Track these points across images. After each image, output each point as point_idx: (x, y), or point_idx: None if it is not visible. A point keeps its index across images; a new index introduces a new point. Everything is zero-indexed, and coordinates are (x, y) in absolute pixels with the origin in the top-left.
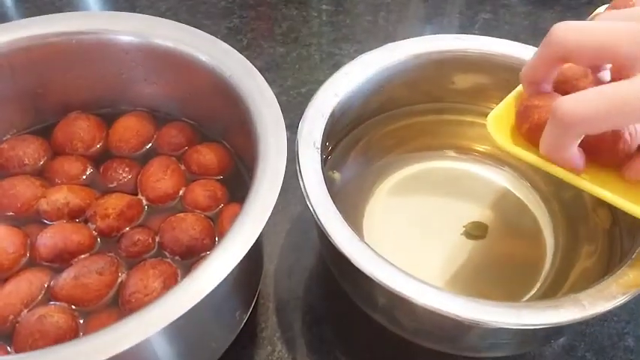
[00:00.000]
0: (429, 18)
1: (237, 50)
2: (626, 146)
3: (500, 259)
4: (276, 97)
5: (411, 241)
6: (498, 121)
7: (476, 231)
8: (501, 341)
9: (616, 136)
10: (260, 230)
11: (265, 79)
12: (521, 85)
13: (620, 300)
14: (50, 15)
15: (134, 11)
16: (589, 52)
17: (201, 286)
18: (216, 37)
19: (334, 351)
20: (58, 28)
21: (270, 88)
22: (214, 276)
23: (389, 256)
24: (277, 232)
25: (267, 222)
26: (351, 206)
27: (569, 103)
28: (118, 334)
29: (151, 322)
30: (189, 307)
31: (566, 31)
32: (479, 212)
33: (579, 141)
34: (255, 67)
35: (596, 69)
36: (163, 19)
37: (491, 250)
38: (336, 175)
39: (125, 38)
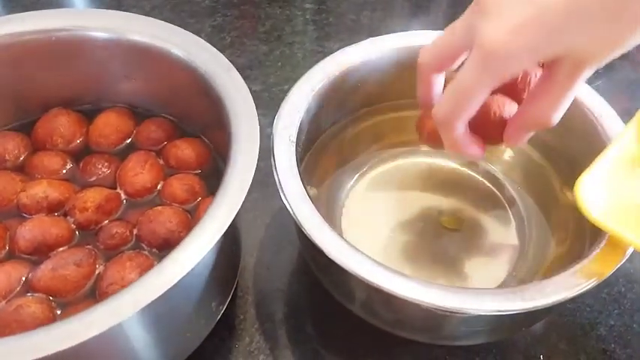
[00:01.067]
0: (413, 16)
1: (220, 48)
2: (497, 116)
3: (474, 249)
4: (259, 95)
5: (388, 236)
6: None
7: (452, 224)
8: (474, 329)
9: (485, 112)
10: (230, 220)
11: (248, 76)
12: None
13: (580, 289)
14: (29, 12)
15: (119, 10)
16: (443, 59)
17: (172, 274)
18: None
19: (313, 342)
20: (37, 25)
21: (245, 84)
22: (185, 264)
23: (366, 249)
24: (257, 225)
25: (247, 216)
26: (328, 202)
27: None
28: (89, 319)
29: (121, 309)
30: (158, 295)
31: (423, 52)
32: (454, 205)
33: (464, 126)
34: (238, 64)
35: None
36: (141, 16)
37: (466, 241)
38: (313, 191)
39: (103, 35)
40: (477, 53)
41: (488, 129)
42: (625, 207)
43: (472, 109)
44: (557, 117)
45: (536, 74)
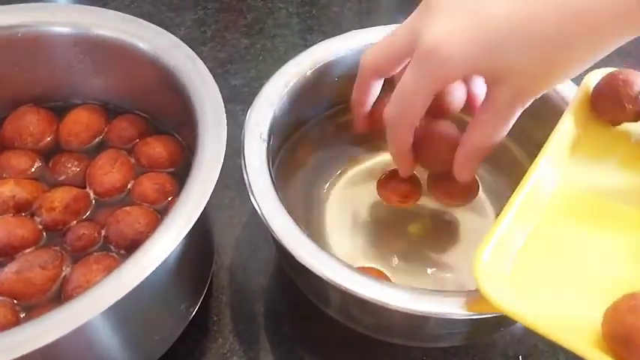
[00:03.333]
0: (399, 9)
1: (201, 42)
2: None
3: (457, 243)
4: (239, 90)
5: (369, 234)
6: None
7: (420, 232)
8: (451, 331)
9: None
10: (194, 219)
11: (228, 70)
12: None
13: None
14: None
15: (99, 5)
16: (385, 62)
17: (133, 277)
18: (180, 30)
19: (290, 344)
20: (2, 21)
21: (212, 78)
22: (147, 266)
23: (346, 250)
24: (233, 224)
25: (222, 215)
26: (305, 202)
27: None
28: (49, 323)
29: (81, 312)
30: (119, 298)
31: (366, 55)
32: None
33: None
34: (219, 59)
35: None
36: (108, 10)
37: (450, 236)
38: (288, 191)
39: (71, 30)
40: (418, 53)
41: (439, 158)
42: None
43: (416, 111)
44: (496, 142)
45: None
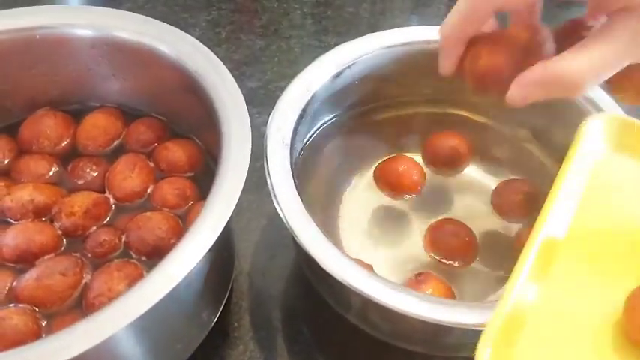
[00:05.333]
0: (414, 9)
1: (215, 44)
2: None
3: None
4: (255, 92)
5: (389, 239)
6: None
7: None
8: (473, 341)
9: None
10: (221, 228)
11: (244, 72)
12: None
13: None
14: (11, 10)
15: (113, 6)
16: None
17: (159, 287)
18: (195, 31)
19: (308, 350)
20: (20, 23)
21: (235, 82)
22: (173, 276)
23: (365, 254)
24: (252, 229)
25: (241, 219)
26: (325, 205)
27: None
28: (76, 334)
29: (108, 324)
30: (145, 309)
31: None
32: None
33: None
34: (234, 60)
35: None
36: (128, 13)
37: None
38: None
39: (89, 33)
40: None
41: (498, 67)
42: None
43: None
44: (588, 83)
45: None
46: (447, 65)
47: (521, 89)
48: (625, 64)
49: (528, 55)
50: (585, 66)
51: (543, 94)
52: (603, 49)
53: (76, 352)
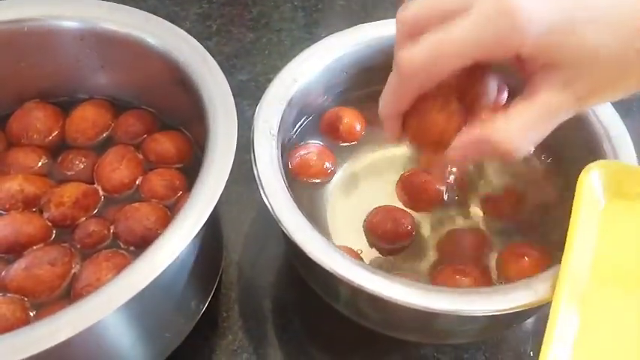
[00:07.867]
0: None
1: (206, 36)
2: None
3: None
4: (245, 84)
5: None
6: None
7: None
8: (462, 328)
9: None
10: (206, 215)
11: (234, 65)
12: None
13: None
14: None
15: None
16: (432, 14)
17: (145, 274)
18: (185, 23)
19: (298, 340)
20: (8, 15)
21: (223, 75)
22: (158, 263)
23: (353, 244)
24: (242, 220)
25: (231, 210)
26: (312, 195)
27: (405, 56)
28: (62, 321)
29: (94, 310)
30: (131, 296)
31: (404, 8)
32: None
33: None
34: (225, 53)
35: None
36: (116, 4)
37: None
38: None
39: (79, 25)
40: (487, 7)
41: (435, 131)
42: None
43: (446, 66)
44: (523, 147)
45: None
46: (390, 137)
47: (459, 150)
48: (561, 119)
49: (470, 107)
50: (516, 131)
51: (480, 155)
52: (533, 110)
53: (62, 338)
